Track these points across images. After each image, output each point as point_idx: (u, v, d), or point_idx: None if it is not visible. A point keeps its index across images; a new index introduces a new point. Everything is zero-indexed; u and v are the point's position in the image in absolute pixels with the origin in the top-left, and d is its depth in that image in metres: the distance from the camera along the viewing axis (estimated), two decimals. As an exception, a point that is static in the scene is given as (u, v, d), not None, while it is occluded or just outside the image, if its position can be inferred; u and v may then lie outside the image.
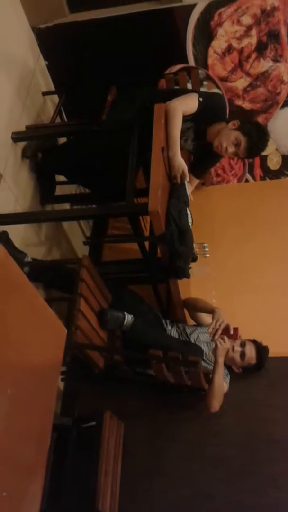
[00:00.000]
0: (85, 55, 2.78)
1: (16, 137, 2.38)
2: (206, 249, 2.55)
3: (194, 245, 2.16)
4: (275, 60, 2.78)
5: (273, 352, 2.49)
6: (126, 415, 2.43)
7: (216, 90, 2.91)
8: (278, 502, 2.23)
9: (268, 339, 2.48)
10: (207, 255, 2.55)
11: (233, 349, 2.39)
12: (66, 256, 2.93)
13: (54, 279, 2.35)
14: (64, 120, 2.88)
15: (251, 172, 3.47)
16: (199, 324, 2.56)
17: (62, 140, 2.81)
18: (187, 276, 2.12)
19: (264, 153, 2.53)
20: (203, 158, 2.49)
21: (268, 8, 2.56)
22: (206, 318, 2.51)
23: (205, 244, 2.56)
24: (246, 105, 3.01)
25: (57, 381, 1.49)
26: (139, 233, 2.23)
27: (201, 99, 2.19)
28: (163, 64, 2.75)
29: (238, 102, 3.00)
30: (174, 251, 1.99)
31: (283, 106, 3.02)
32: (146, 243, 2.27)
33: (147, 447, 2.43)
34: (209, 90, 2.90)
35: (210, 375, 2.28)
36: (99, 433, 2.15)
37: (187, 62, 2.78)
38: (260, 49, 2.73)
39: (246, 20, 2.61)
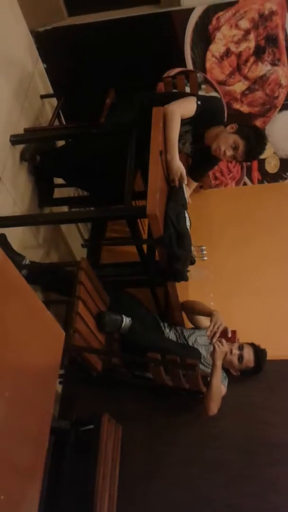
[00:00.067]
0: (84, 58, 2.79)
1: (15, 139, 2.38)
2: (204, 252, 2.56)
3: (192, 248, 2.16)
4: (273, 64, 2.80)
5: (271, 355, 2.49)
6: (124, 418, 2.43)
7: (214, 94, 2.92)
8: (277, 506, 2.22)
9: (266, 342, 2.49)
10: (205, 258, 2.56)
11: (231, 352, 2.40)
12: (64, 258, 2.93)
13: (52, 281, 2.35)
14: (63, 123, 2.88)
15: (249, 175, 3.48)
16: (197, 327, 2.56)
17: (61, 143, 2.81)
18: (185, 279, 2.12)
19: (262, 157, 2.54)
20: (201, 161, 2.50)
21: (266, 12, 2.57)
22: (204, 321, 2.51)
23: (203, 247, 2.56)
24: (244, 109, 3.02)
25: (55, 384, 1.49)
26: (137, 236, 2.23)
27: (199, 102, 2.20)
28: (161, 68, 2.76)
29: (236, 106, 3.01)
30: (172, 254, 1.99)
31: (281, 110, 3.03)
32: (144, 246, 2.27)
33: (145, 450, 2.42)
34: (207, 93, 2.91)
35: (208, 378, 2.28)
36: (97, 436, 2.14)
37: (185, 65, 2.79)
38: (258, 53, 2.74)
39: (244, 24, 2.62)
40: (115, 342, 2.32)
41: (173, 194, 2.10)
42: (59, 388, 2.65)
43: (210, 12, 2.58)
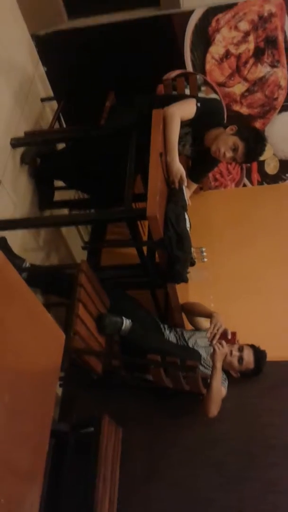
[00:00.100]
0: (84, 61, 2.79)
1: (15, 143, 2.38)
2: (204, 254, 2.56)
3: (192, 249, 2.16)
4: (273, 65, 2.80)
5: (271, 356, 2.49)
6: (125, 420, 2.43)
7: (214, 96, 2.93)
8: (277, 507, 2.22)
9: (266, 344, 2.49)
10: (205, 259, 2.56)
11: (231, 353, 2.40)
12: (65, 261, 2.93)
13: (52, 284, 2.35)
14: (63, 126, 2.89)
15: (249, 177, 3.48)
16: (197, 328, 2.56)
17: (61, 146, 2.82)
18: (185, 280, 2.12)
19: (261, 158, 2.54)
20: (201, 163, 2.50)
21: (265, 14, 2.58)
22: (204, 322, 2.52)
23: (203, 249, 2.57)
24: (244, 110, 3.03)
25: (55, 386, 1.49)
26: (137, 238, 2.23)
27: (199, 104, 2.20)
28: (161, 70, 2.77)
29: (236, 107, 3.02)
30: (172, 255, 2.00)
31: (280, 111, 3.03)
32: (145, 248, 2.27)
33: (145, 452, 2.42)
34: (207, 95, 2.92)
35: (208, 380, 2.28)
36: (97, 438, 2.14)
37: (185, 67, 2.79)
38: (258, 54, 2.75)
39: (244, 26, 2.63)
40: (115, 344, 2.32)
41: (173, 195, 2.10)
42: (59, 390, 2.65)
43: (209, 14, 2.59)
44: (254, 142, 2.21)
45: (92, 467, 2.05)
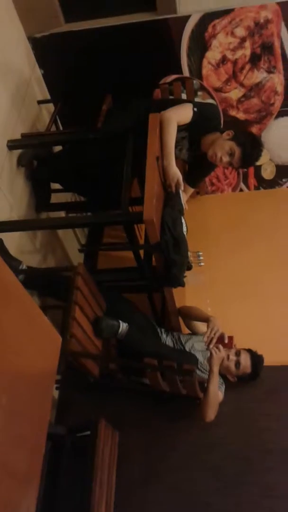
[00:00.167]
0: (81, 64, 2.80)
1: (12, 145, 2.38)
2: (201, 258, 2.57)
3: (189, 253, 2.17)
4: (269, 71, 2.82)
5: (268, 361, 2.49)
6: (121, 424, 2.42)
7: (210, 101, 2.94)
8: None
9: (263, 348, 2.49)
10: (202, 263, 2.57)
11: (228, 358, 2.39)
12: (61, 263, 2.92)
13: (49, 287, 2.35)
14: (60, 128, 2.89)
15: (245, 182, 3.50)
16: (194, 332, 2.56)
17: (58, 148, 2.82)
18: (182, 284, 2.12)
19: (258, 163, 2.55)
20: (197, 168, 2.51)
21: (262, 20, 2.60)
22: (201, 326, 2.51)
23: (200, 253, 2.57)
24: (240, 116, 3.04)
25: (52, 389, 1.48)
26: (134, 241, 2.23)
27: (195, 109, 2.21)
28: (158, 74, 2.78)
29: (232, 113, 3.03)
30: (169, 259, 2.00)
31: (276, 117, 3.05)
32: (141, 252, 2.27)
33: (142, 456, 2.41)
34: (204, 100, 2.93)
35: (205, 384, 2.28)
36: (93, 442, 2.13)
37: (181, 72, 2.81)
38: (254, 60, 2.77)
39: (240, 32, 2.64)
40: (112, 348, 2.31)
41: (170, 200, 2.10)
42: (55, 393, 2.63)
43: (206, 20, 2.60)
44: (251, 148, 2.22)
45: (88, 470, 2.04)
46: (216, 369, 2.27)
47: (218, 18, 2.59)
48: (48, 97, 2.89)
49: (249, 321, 2.79)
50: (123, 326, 2.19)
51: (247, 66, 2.80)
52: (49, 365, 1.36)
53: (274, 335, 2.73)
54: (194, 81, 2.78)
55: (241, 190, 3.54)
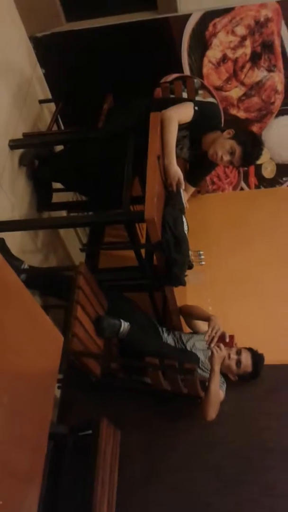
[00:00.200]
0: (82, 64, 2.80)
1: (13, 144, 2.38)
2: (202, 257, 2.57)
3: (190, 252, 2.17)
4: (269, 70, 2.82)
5: (269, 360, 2.49)
6: (123, 423, 2.42)
7: (211, 99, 2.94)
8: (274, 510, 2.22)
9: (264, 347, 2.49)
10: (203, 262, 2.57)
11: (229, 357, 2.40)
12: (63, 263, 2.93)
13: (50, 286, 2.35)
14: (61, 128, 2.89)
15: (246, 181, 3.50)
16: (195, 331, 2.56)
17: (59, 148, 2.82)
18: (183, 283, 2.12)
19: (258, 162, 2.55)
20: (198, 166, 2.51)
21: (262, 19, 2.59)
22: (202, 325, 2.52)
23: (201, 252, 2.57)
24: (241, 114, 3.04)
25: (54, 388, 1.48)
26: (135, 240, 2.23)
27: (196, 108, 2.21)
28: (159, 73, 2.78)
29: (233, 111, 3.03)
30: (170, 258, 2.00)
31: (277, 116, 3.05)
32: (142, 251, 2.27)
33: (143, 455, 2.42)
34: (204, 99, 2.92)
35: (206, 383, 2.28)
36: (95, 441, 2.14)
37: (182, 71, 2.80)
38: (254, 59, 2.76)
39: (241, 30, 2.64)
40: (114, 347, 2.31)
41: (171, 199, 2.11)
42: (57, 393, 2.64)
43: (206, 19, 2.60)
44: (251, 146, 2.22)
45: (90, 470, 2.05)
46: (217, 368, 2.28)
47: (219, 16, 2.59)
48: (50, 96, 2.89)
49: (250, 320, 2.79)
50: (125, 325, 2.19)
51: (248, 65, 2.79)
52: (51, 365, 1.37)
53: (275, 334, 2.73)
54: (195, 80, 2.77)
55: (241, 189, 3.54)
